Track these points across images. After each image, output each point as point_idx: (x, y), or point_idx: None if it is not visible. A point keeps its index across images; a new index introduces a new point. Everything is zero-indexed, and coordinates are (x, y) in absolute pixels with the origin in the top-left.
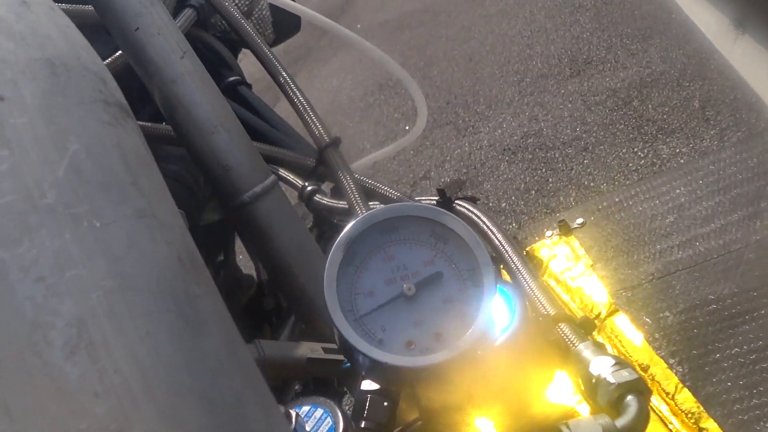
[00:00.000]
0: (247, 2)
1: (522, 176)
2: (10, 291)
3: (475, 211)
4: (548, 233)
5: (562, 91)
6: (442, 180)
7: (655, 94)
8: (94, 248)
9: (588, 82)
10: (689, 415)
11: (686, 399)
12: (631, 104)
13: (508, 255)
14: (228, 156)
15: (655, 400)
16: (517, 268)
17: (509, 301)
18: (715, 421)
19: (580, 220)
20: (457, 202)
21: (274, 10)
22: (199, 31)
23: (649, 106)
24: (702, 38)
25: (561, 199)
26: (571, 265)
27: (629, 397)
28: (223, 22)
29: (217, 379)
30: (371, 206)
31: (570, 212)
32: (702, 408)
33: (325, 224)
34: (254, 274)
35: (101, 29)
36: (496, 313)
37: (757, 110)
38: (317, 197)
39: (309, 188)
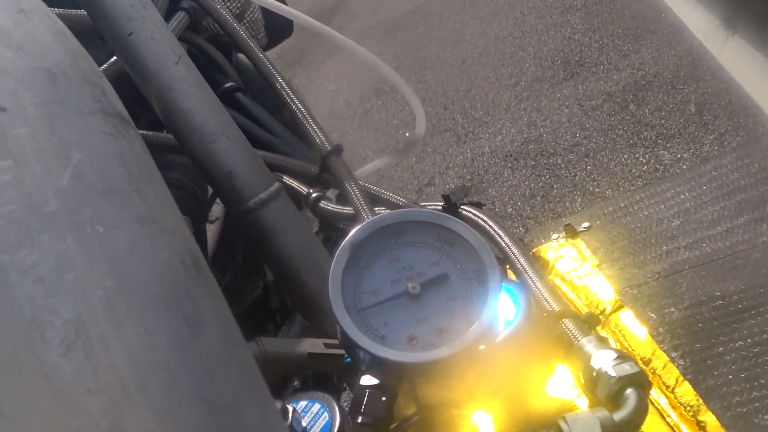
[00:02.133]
0: (239, 5)
1: (526, 182)
2: (9, 292)
3: (481, 215)
4: (554, 236)
5: (558, 95)
6: (447, 186)
7: (651, 98)
8: (95, 252)
9: (583, 86)
10: (688, 408)
11: (686, 392)
12: (628, 108)
13: (515, 256)
14: (231, 163)
15: (655, 393)
16: (523, 267)
17: (514, 297)
18: (713, 413)
19: (586, 224)
20: (462, 207)
21: (266, 13)
22: (192, 35)
23: (646, 110)
24: (693, 39)
25: (567, 204)
26: (578, 266)
27: (628, 390)
28: (215, 25)
29: (215, 377)
30: (377, 212)
31: (576, 217)
32: (701, 401)
33: (331, 229)
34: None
35: (95, 34)
36: (500, 309)
37: (754, 114)
38: (323, 204)
39: (314, 195)
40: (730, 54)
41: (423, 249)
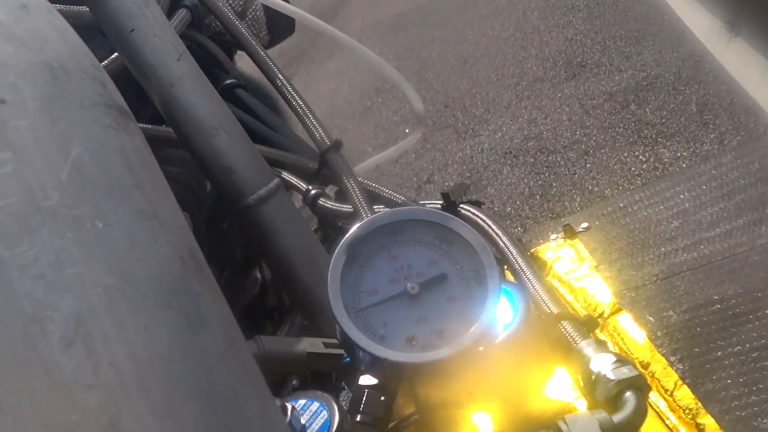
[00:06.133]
0: (241, 3)
1: (525, 180)
2: (8, 287)
3: (480, 214)
4: (553, 236)
5: (559, 95)
6: (446, 184)
7: (652, 98)
8: (95, 247)
9: (584, 86)
10: (687, 411)
11: (685, 395)
12: (629, 108)
13: (513, 256)
14: (230, 158)
15: (654, 397)
16: (521, 268)
17: (512, 299)
18: (712, 416)
19: (584, 225)
20: (461, 206)
21: (268, 11)
22: (194, 32)
23: (647, 109)
24: (695, 41)
25: (566, 203)
26: (576, 267)
27: (627, 393)
28: (217, 23)
29: (215, 374)
30: (376, 210)
31: (575, 217)
32: (700, 404)
33: (330, 226)
34: (258, 273)
35: (96, 30)
36: (499, 310)
37: (755, 114)
38: (321, 201)
39: (313, 192)
40: (733, 56)
41: (421, 248)
